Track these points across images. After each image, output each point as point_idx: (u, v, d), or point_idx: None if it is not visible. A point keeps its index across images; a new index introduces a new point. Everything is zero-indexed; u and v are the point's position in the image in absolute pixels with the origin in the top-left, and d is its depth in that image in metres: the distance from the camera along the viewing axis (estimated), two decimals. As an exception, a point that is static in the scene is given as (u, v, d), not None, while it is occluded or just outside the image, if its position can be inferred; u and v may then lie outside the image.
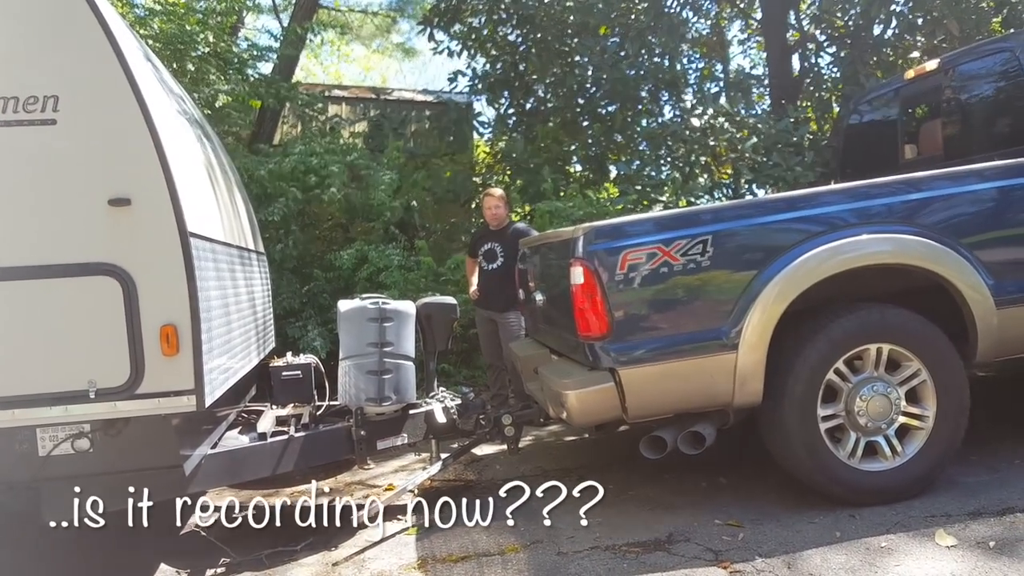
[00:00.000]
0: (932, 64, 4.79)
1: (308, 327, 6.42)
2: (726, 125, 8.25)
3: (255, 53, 8.49)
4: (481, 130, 9.68)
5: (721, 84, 10.32)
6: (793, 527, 3.19)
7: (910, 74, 5.10)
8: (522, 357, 4.66)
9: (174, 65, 7.27)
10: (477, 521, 3.52)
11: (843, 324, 3.33)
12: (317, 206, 7.15)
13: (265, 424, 3.65)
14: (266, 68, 8.98)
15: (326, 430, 3.64)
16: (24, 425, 2.59)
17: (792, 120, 8.42)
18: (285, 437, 3.46)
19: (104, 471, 2.72)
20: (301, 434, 3.52)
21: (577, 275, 3.36)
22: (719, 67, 11.10)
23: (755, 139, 7.96)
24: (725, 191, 8.46)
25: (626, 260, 3.31)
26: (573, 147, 9.44)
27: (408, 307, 3.88)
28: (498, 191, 5.52)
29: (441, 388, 4.19)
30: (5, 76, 2.53)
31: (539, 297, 4.16)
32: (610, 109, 9.16)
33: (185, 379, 2.62)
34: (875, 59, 8.99)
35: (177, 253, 2.62)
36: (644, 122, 8.73)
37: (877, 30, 9.01)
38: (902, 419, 3.35)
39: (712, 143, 7.99)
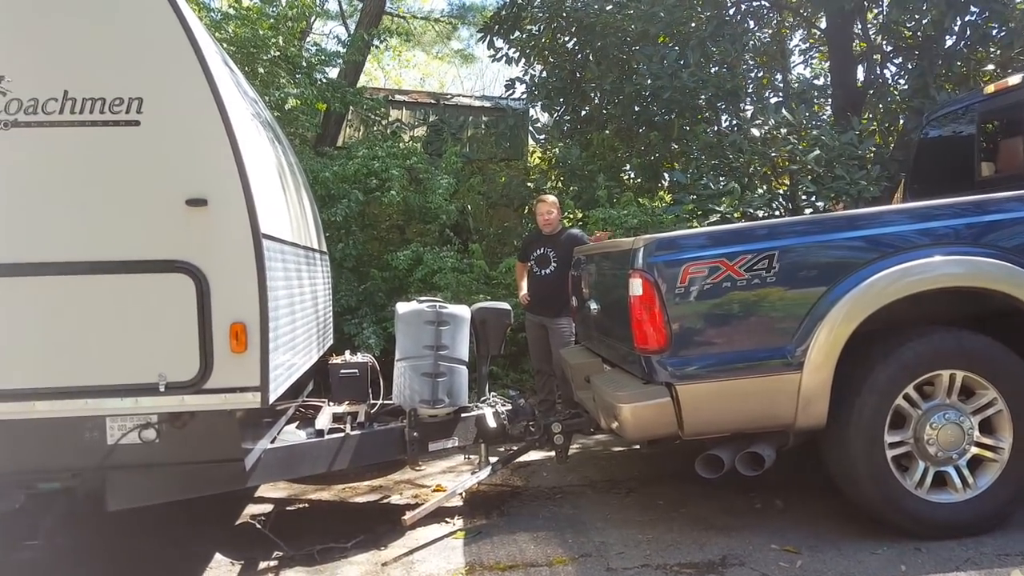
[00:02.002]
0: (1015, 79, 4.58)
1: (364, 325, 6.53)
2: (788, 136, 8.08)
3: (323, 58, 8.68)
4: (536, 136, 9.68)
5: (780, 94, 10.10)
6: (854, 557, 3.09)
7: (990, 88, 4.89)
8: (573, 365, 4.64)
9: (246, 68, 7.50)
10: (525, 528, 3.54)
11: (915, 347, 3.22)
12: (376, 207, 7.27)
13: (322, 421, 3.71)
14: (332, 73, 9.20)
15: (380, 430, 3.69)
16: (95, 415, 2.69)
17: (857, 132, 8.21)
18: (341, 435, 3.52)
19: (168, 461, 2.81)
20: (356, 433, 3.57)
21: (636, 287, 3.32)
22: (778, 77, 10.88)
23: (817, 151, 7.75)
24: (783, 204, 8.29)
25: (687, 273, 3.27)
26: (628, 155, 9.37)
27: (464, 312, 3.90)
28: (551, 197, 5.50)
29: (492, 393, 4.20)
30: (93, 78, 2.65)
31: (593, 306, 4.14)
32: (667, 118, 9.06)
33: (251, 376, 2.69)
34: (946, 71, 8.67)
35: (249, 253, 2.70)
36: (703, 131, 8.59)
37: (949, 41, 8.70)
38: (975, 450, 3.21)
39: (773, 154, 7.81)
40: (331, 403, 4.09)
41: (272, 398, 2.77)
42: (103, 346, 2.68)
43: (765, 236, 3.36)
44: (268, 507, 4.09)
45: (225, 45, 7.03)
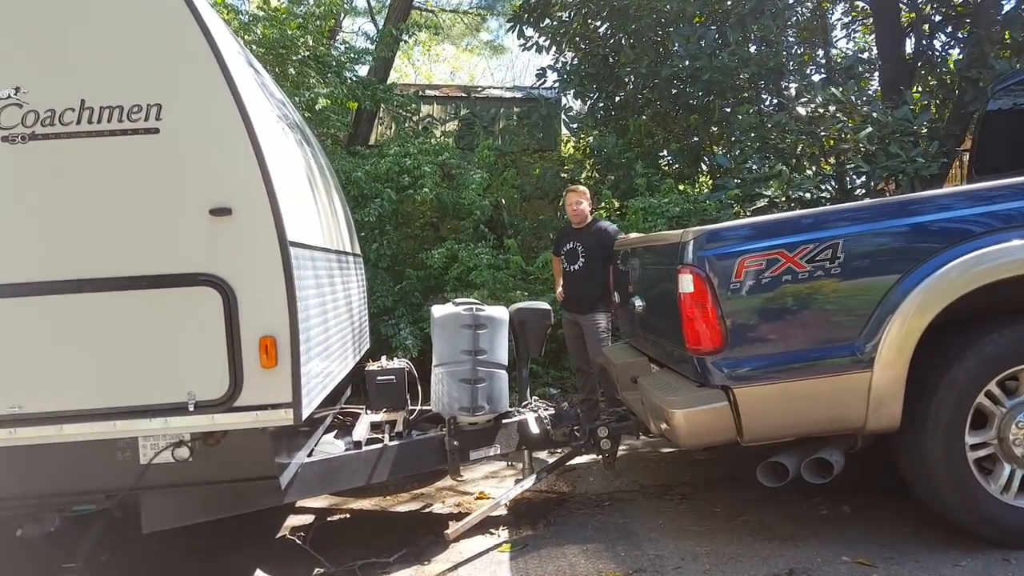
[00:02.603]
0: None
1: (400, 325, 6.41)
2: (837, 114, 7.69)
3: (352, 56, 8.56)
4: (570, 125, 9.43)
5: (823, 71, 9.66)
6: (936, 570, 2.84)
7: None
8: (618, 364, 4.42)
9: (276, 69, 7.43)
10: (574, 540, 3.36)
11: (998, 340, 2.95)
12: (410, 205, 7.14)
13: (360, 431, 3.59)
14: (362, 71, 9.09)
15: (419, 439, 3.55)
16: (125, 436, 2.59)
17: (912, 107, 7.79)
18: (379, 446, 3.38)
19: (202, 480, 2.70)
20: (395, 443, 3.44)
21: (686, 283, 3.10)
22: (820, 53, 10.42)
23: (869, 128, 7.36)
24: (832, 186, 7.92)
25: (743, 267, 3.04)
26: (666, 140, 9.07)
27: (502, 313, 3.73)
28: (581, 187, 5.24)
29: (533, 396, 4.02)
30: (110, 85, 2.53)
31: (638, 302, 3.92)
32: (707, 100, 8.73)
33: (283, 391, 2.56)
34: (1005, 39, 8.17)
35: (277, 263, 2.56)
36: (745, 112, 8.24)
37: (1007, 5, 8.19)
38: (1068, 451, 2.93)
39: (822, 133, 7.45)
40: (368, 411, 3.96)
41: (305, 414, 2.64)
42: (129, 365, 2.57)
43: (828, 224, 3.10)
44: (309, 518, 3.99)
45: (254, 48, 6.96)
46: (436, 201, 6.99)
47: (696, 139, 9.02)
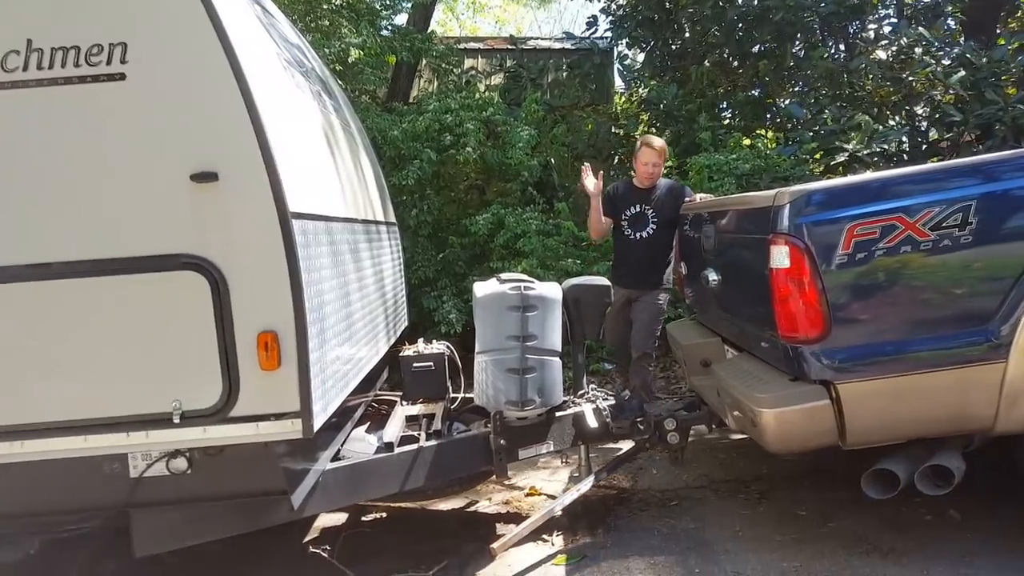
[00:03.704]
0: None
1: (443, 298, 5.96)
2: (924, 56, 6.82)
3: (388, 3, 7.97)
4: (626, 76, 8.70)
5: (895, 12, 8.64)
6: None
7: None
8: (686, 345, 3.89)
9: (307, 19, 6.92)
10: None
11: None
12: (452, 167, 6.61)
13: (393, 428, 3.16)
14: (400, 20, 8.52)
15: (461, 438, 3.11)
16: (106, 454, 2.19)
17: (1010, 48, 6.86)
18: (414, 447, 2.95)
19: (203, 495, 2.31)
20: (432, 443, 3.00)
21: (780, 256, 2.54)
22: None
23: (963, 71, 6.49)
24: (918, 138, 7.07)
25: (851, 236, 2.47)
26: (731, 90, 8.28)
27: (555, 291, 3.21)
28: (659, 141, 4.30)
29: (592, 385, 3.52)
30: (63, 21, 2.07)
31: (712, 276, 3.36)
32: (775, 45, 7.90)
33: (288, 398, 2.13)
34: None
35: (276, 240, 2.10)
36: (820, 57, 7.40)
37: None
38: None
39: (910, 78, 6.60)
40: (404, 402, 3.53)
41: (318, 424, 2.21)
42: (99, 368, 2.16)
43: (958, 182, 2.51)
44: (342, 517, 3.60)
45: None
46: (480, 162, 6.45)
47: (763, 89, 8.21)
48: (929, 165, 2.84)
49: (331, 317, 2.45)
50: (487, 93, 7.95)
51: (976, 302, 2.46)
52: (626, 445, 3.55)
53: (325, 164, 2.86)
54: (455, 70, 8.32)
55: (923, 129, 7.09)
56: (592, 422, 3.26)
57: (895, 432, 2.57)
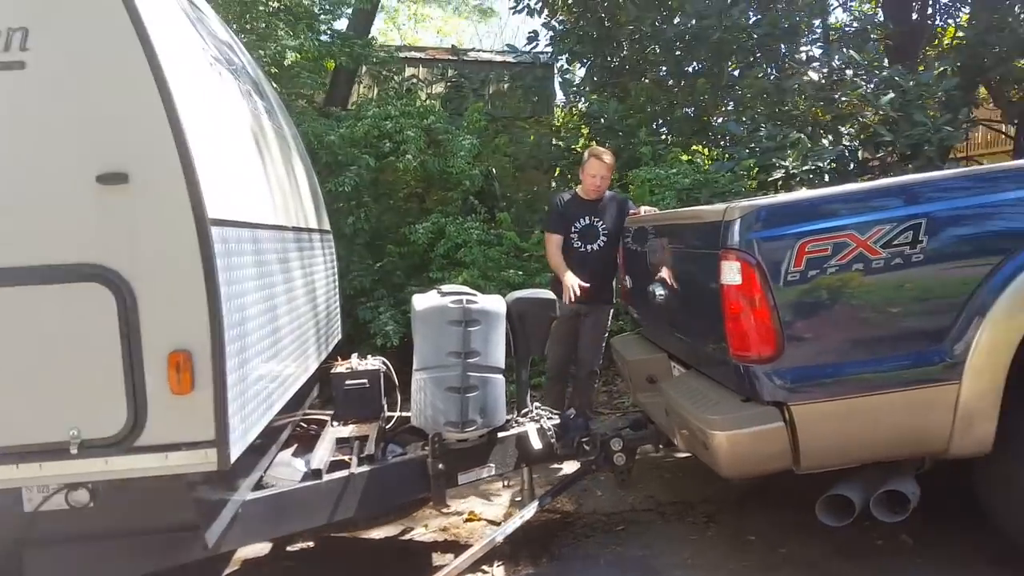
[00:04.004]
0: None
1: (380, 309, 5.73)
2: (855, 78, 7.03)
3: (327, 7, 7.72)
4: (567, 89, 8.68)
5: (828, 35, 8.94)
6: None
7: None
8: (631, 361, 3.80)
9: (243, 21, 6.60)
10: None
11: None
12: (392, 174, 6.40)
13: (322, 452, 2.93)
14: (340, 26, 8.25)
15: (395, 463, 2.90)
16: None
17: (935, 72, 7.15)
18: (345, 474, 2.73)
19: (107, 531, 2.05)
20: (364, 469, 2.78)
21: (731, 272, 2.46)
22: (816, 23, 9.69)
23: (891, 94, 6.71)
24: (848, 157, 7.27)
25: (803, 252, 2.41)
26: (670, 106, 8.35)
27: (498, 305, 3.06)
28: (608, 155, 4.25)
29: (535, 404, 3.37)
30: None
31: (659, 291, 3.27)
32: (711, 65, 8.02)
33: (202, 426, 1.89)
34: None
35: (192, 249, 1.87)
36: (757, 76, 7.53)
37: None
38: None
39: (843, 98, 6.78)
40: (335, 423, 3.30)
41: (236, 453, 1.98)
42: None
43: (908, 199, 2.49)
44: (264, 548, 3.33)
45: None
46: (421, 170, 6.27)
47: (699, 107, 8.31)
48: (881, 181, 2.82)
49: (254, 333, 2.22)
50: (428, 102, 7.79)
51: (928, 321, 2.42)
52: (570, 466, 3.43)
53: (253, 168, 2.63)
54: (396, 77, 8.13)
55: (852, 149, 7.30)
56: (536, 443, 3.12)
57: (850, 456, 2.51)
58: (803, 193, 2.85)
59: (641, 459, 4.14)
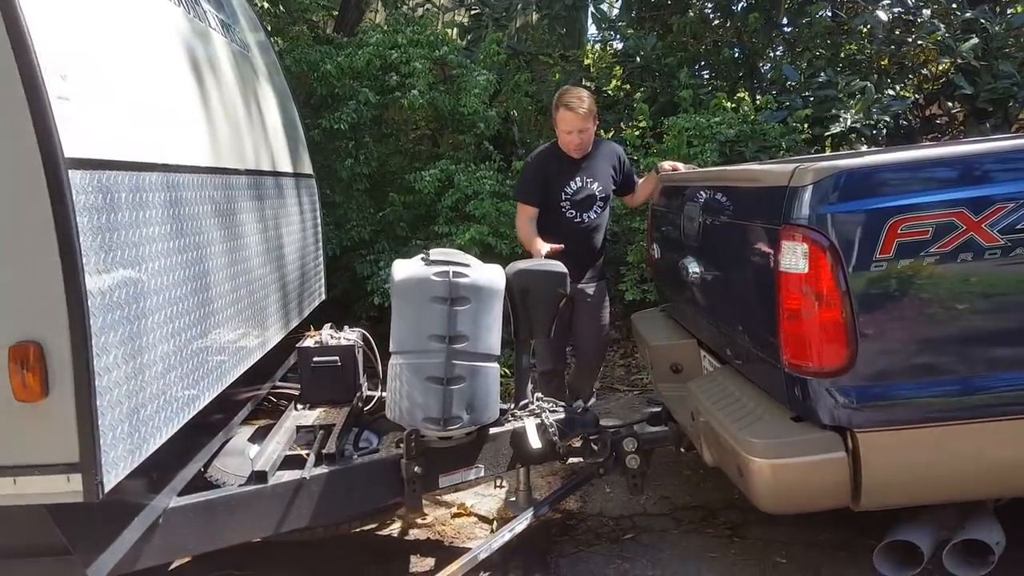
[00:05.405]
0: None
1: (380, 264, 5.16)
2: (933, 19, 6.16)
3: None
4: (601, 23, 7.87)
5: None
6: None
7: None
8: (653, 347, 3.23)
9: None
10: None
11: None
12: (398, 112, 5.75)
13: (274, 446, 2.43)
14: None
15: (361, 464, 2.40)
16: None
17: (1028, 14, 6.26)
18: (296, 477, 2.23)
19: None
20: (322, 470, 2.28)
21: (795, 255, 1.87)
22: None
23: (975, 38, 5.87)
24: (916, 112, 6.48)
25: (894, 235, 1.81)
26: (715, 44, 7.53)
27: (495, 279, 2.49)
28: (585, 100, 3.22)
29: (537, 395, 2.82)
30: None
31: (693, 268, 2.69)
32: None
33: (60, 443, 1.39)
34: None
35: (41, 202, 1.33)
36: (817, 13, 6.68)
37: None
38: None
39: (919, 42, 5.95)
40: (299, 406, 2.80)
41: (114, 480, 1.47)
42: None
43: (1043, 166, 1.85)
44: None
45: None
46: (430, 108, 5.61)
47: (745, 48, 7.48)
48: (1009, 142, 2.16)
49: (159, 312, 1.69)
50: (443, 30, 7.05)
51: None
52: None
53: (176, 93, 2.06)
54: (409, 2, 7.37)
55: (919, 102, 6.50)
56: (534, 442, 2.58)
57: (927, 494, 1.97)
58: (901, 153, 2.21)
59: (656, 453, 3.60)
